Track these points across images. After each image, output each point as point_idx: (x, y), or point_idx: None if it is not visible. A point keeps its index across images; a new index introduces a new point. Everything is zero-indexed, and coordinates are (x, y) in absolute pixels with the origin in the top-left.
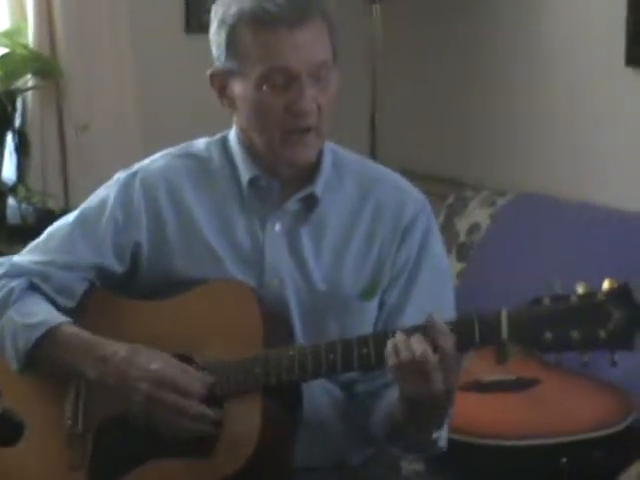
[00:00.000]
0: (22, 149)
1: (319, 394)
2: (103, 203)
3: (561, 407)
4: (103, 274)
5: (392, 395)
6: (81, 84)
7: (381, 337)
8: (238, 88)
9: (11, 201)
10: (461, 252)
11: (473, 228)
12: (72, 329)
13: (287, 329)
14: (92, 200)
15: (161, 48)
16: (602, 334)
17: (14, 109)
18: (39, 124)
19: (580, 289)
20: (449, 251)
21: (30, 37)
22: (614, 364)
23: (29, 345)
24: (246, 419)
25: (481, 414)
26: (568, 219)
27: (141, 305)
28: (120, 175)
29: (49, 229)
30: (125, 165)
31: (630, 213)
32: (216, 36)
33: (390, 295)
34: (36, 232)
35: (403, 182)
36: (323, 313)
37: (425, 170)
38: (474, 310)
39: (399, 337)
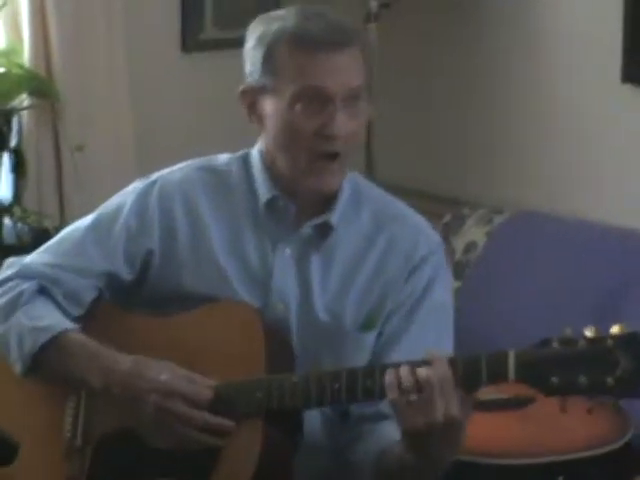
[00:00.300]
0: (18, 169)
1: (313, 412)
2: (119, 210)
3: (557, 425)
4: (112, 281)
5: (388, 432)
6: (77, 104)
7: (386, 369)
8: (269, 105)
9: (7, 221)
10: (457, 270)
11: (470, 246)
12: (79, 337)
13: (290, 355)
14: (108, 206)
15: (157, 67)
16: (609, 381)
17: (10, 129)
18: (35, 144)
19: (589, 333)
20: None
21: (26, 57)
22: (617, 406)
23: (35, 348)
24: (246, 443)
25: (477, 433)
26: (565, 237)
27: (147, 321)
28: (138, 184)
29: (63, 232)
30: (121, 185)
31: (627, 230)
32: (252, 51)
33: (389, 326)
34: (32, 252)
35: (423, 223)
36: (321, 342)
37: (422, 188)
38: (482, 351)
39: (402, 368)
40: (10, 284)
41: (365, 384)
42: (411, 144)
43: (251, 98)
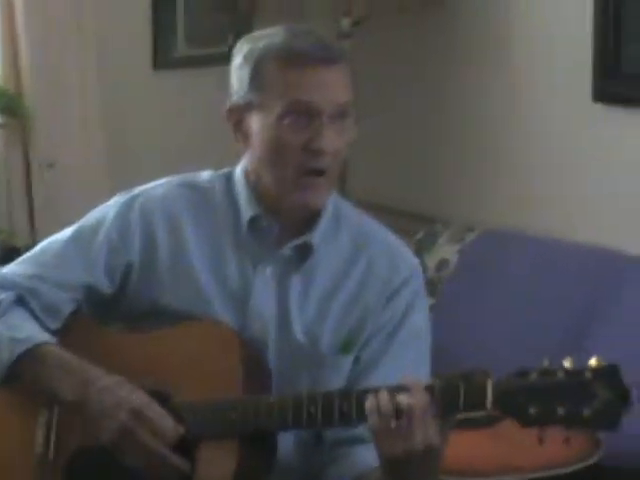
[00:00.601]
0: None
1: (286, 433)
2: (100, 223)
3: (529, 442)
4: (91, 294)
5: (364, 457)
6: (47, 121)
7: (363, 393)
8: (256, 122)
9: None
10: (430, 288)
11: (442, 264)
12: (57, 349)
13: (267, 375)
14: (89, 219)
15: (129, 84)
16: (587, 413)
17: None
18: (4, 161)
19: (567, 364)
20: None
21: None
22: (597, 442)
23: (12, 359)
24: (220, 464)
25: (451, 452)
26: (535, 254)
27: (124, 336)
28: (119, 197)
29: (42, 243)
30: (93, 203)
31: (597, 248)
32: (239, 70)
33: (366, 350)
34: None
35: (401, 245)
36: (297, 364)
37: (394, 205)
38: (460, 375)
39: (381, 394)
40: None
41: (342, 408)
42: (383, 161)
43: (237, 116)
